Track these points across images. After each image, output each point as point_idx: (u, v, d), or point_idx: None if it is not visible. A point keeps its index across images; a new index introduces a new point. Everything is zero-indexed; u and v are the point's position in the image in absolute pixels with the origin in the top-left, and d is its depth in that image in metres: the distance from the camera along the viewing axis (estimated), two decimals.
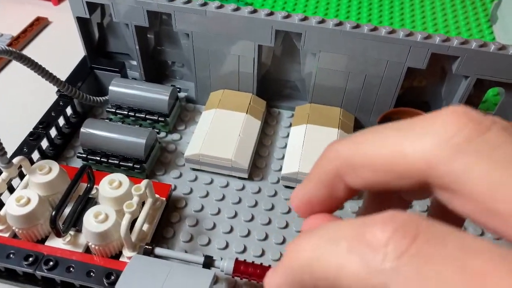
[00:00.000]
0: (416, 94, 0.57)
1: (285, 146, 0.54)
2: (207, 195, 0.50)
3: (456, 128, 0.14)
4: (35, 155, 0.49)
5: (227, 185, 0.51)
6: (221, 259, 0.40)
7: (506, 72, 0.47)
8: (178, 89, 0.58)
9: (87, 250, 0.42)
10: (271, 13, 0.49)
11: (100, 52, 0.60)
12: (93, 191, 0.45)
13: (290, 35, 0.52)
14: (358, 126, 0.56)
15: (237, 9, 0.49)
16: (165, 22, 0.55)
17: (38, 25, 0.72)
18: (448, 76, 0.52)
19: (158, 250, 0.41)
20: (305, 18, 0.48)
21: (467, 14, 0.78)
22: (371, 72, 0.51)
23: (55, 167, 0.44)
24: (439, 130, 0.14)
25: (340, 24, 0.48)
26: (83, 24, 0.55)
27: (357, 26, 0.48)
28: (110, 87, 0.54)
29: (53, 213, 0.39)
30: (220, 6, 0.49)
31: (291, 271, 0.15)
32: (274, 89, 0.60)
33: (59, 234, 0.40)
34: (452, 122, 0.14)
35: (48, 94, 0.55)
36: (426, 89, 0.56)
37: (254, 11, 0.49)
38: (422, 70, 0.52)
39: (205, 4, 0.50)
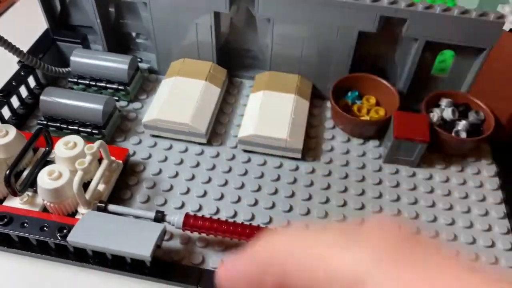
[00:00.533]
0: (372, 60, 0.58)
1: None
2: (165, 159, 0.51)
3: (378, 245, 0.16)
4: None
5: (185, 150, 0.52)
6: None
7: (453, 34, 0.49)
8: (139, 59, 0.59)
9: (44, 210, 0.43)
10: None
11: (63, 26, 0.61)
12: (52, 155, 0.47)
13: (245, 1, 0.53)
14: (316, 92, 0.58)
15: None
16: None
17: (4, 2, 0.72)
18: (400, 40, 0.54)
19: (112, 207, 0.42)
20: None
21: None
22: (325, 38, 0.53)
23: (12, 130, 0.45)
24: (363, 246, 0.16)
25: None
26: None
27: None
28: (72, 58, 0.55)
29: (7, 171, 0.40)
30: None
31: (258, 261, 0.18)
32: (235, 59, 0.61)
33: (15, 193, 0.41)
34: (374, 239, 0.16)
35: (10, 65, 0.55)
36: (380, 56, 0.58)
37: None
38: (375, 36, 0.54)
39: None
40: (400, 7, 0.48)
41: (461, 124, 0.51)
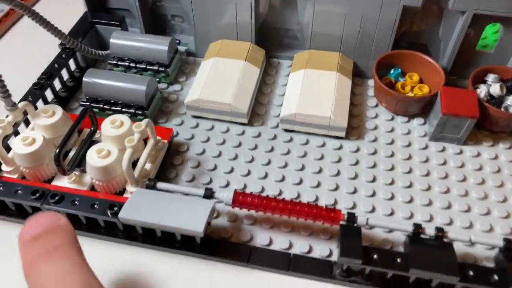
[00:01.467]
0: (414, 37, 0.57)
1: (284, 94, 0.55)
2: (208, 140, 0.51)
3: None
4: (40, 105, 0.51)
5: (227, 131, 0.52)
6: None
7: (503, 4, 0.47)
8: (177, 41, 0.58)
9: (92, 188, 0.43)
10: None
11: (101, 9, 0.61)
12: (97, 135, 0.47)
13: None
14: (357, 70, 0.57)
15: None
16: None
17: None
18: (445, 14, 0.52)
19: (160, 184, 0.42)
20: None
21: None
22: (367, 14, 0.51)
23: (59, 110, 0.45)
24: None
25: None
26: None
27: None
28: (111, 40, 0.55)
29: (56, 150, 0.40)
30: None
31: None
32: (273, 39, 0.60)
33: (64, 172, 0.41)
34: None
35: (52, 48, 0.56)
36: (423, 32, 0.56)
37: None
38: (419, 12, 0.52)
39: None
40: None
41: (510, 99, 0.50)
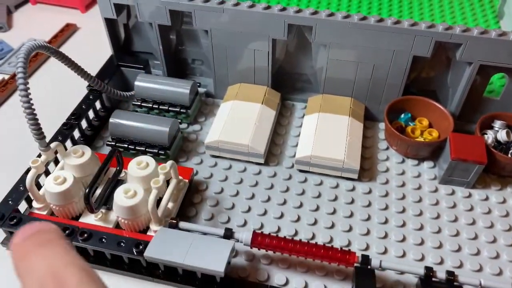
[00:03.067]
0: (423, 83, 0.59)
1: (299, 135, 0.57)
2: (226, 179, 0.53)
3: None
4: (68, 144, 0.54)
5: (244, 170, 0.54)
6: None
7: (508, 57, 0.50)
8: (198, 84, 0.61)
9: (117, 226, 0.46)
10: (284, 9, 0.53)
11: (125, 52, 0.65)
12: (122, 175, 0.49)
13: (302, 29, 0.55)
14: (368, 114, 0.59)
15: (252, 5, 0.53)
16: (186, 21, 0.59)
17: (67, 31, 0.77)
18: (453, 64, 0.55)
19: (182, 224, 0.44)
20: (315, 12, 0.52)
21: (474, 11, 0.81)
22: (379, 62, 0.54)
23: (88, 151, 0.48)
24: None
25: (348, 16, 0.51)
26: (110, 25, 0.60)
27: (364, 18, 0.51)
28: (136, 82, 0.58)
29: (87, 189, 0.43)
30: (237, 4, 0.53)
31: None
32: (288, 83, 0.63)
33: (92, 210, 0.44)
34: None
35: (79, 90, 0.59)
36: (433, 79, 0.59)
37: (268, 7, 0.53)
38: (428, 60, 0.55)
39: (222, 2, 0.54)
40: (456, 32, 0.49)
41: None
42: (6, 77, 0.67)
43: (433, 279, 0.40)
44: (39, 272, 0.22)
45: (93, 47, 0.72)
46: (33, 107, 0.43)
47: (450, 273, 0.40)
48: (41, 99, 0.64)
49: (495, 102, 0.57)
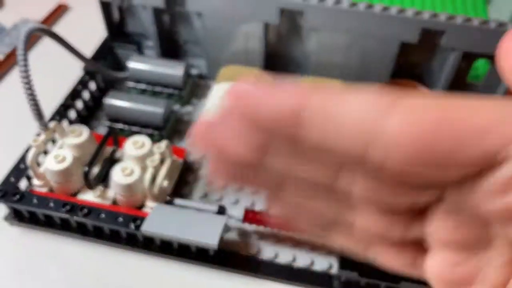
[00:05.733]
0: (411, 68, 0.62)
1: None
2: None
3: None
4: (65, 124, 0.55)
5: None
6: None
7: (489, 45, 0.52)
8: (191, 65, 0.63)
9: (114, 202, 0.48)
10: None
11: (118, 33, 0.66)
12: (118, 154, 0.51)
13: (294, 14, 0.57)
14: None
15: None
16: (179, 2, 0.60)
17: (59, 11, 0.77)
18: (438, 49, 0.57)
19: (177, 201, 0.46)
20: None
21: None
22: (367, 47, 0.56)
23: (86, 131, 0.49)
24: None
25: (338, 2, 0.53)
26: (105, 7, 0.61)
27: (354, 4, 0.53)
28: (129, 64, 0.59)
29: (87, 167, 0.45)
30: None
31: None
32: (279, 65, 0.65)
33: (90, 187, 0.46)
34: None
35: (72, 70, 0.60)
36: (419, 64, 0.61)
37: None
38: (415, 45, 0.57)
39: None
40: (441, 20, 0.51)
41: None
42: (1, 56, 0.68)
43: None
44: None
45: (84, 28, 0.72)
46: (33, 88, 0.44)
47: None
48: (35, 80, 0.66)
49: (478, 86, 0.59)
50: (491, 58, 0.55)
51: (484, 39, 0.52)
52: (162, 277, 0.45)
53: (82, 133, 0.49)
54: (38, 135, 0.48)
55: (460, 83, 0.59)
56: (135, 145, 0.48)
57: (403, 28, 0.53)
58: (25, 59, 0.43)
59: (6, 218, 0.49)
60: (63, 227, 0.47)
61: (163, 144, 0.47)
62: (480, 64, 0.68)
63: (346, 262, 0.42)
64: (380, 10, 0.52)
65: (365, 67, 0.59)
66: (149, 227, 0.43)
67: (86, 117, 0.59)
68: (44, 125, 0.46)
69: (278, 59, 0.64)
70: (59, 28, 0.76)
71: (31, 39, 0.71)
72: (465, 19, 0.51)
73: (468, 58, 0.56)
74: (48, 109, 0.55)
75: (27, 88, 0.44)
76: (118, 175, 0.45)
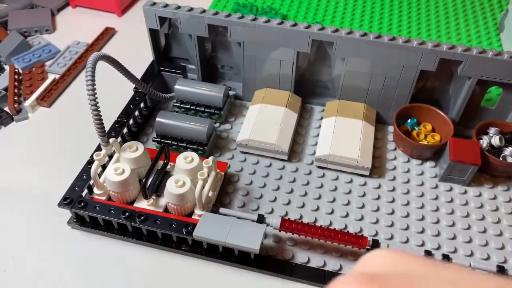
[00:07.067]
0: (428, 93, 0.67)
1: (317, 135, 0.65)
2: (254, 172, 0.62)
3: None
4: (118, 140, 0.62)
5: (270, 165, 0.63)
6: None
7: (502, 73, 0.58)
8: (228, 88, 0.70)
9: (166, 210, 0.54)
10: (309, 26, 0.61)
11: (164, 58, 0.73)
12: (168, 167, 0.58)
13: (323, 43, 0.63)
14: (379, 118, 0.67)
15: (281, 23, 0.61)
16: (221, 33, 0.67)
17: (107, 34, 0.85)
18: (454, 77, 0.63)
19: (222, 210, 0.53)
20: (336, 30, 0.60)
21: (477, 23, 0.88)
22: (390, 74, 0.62)
23: (141, 146, 0.56)
24: None
25: (365, 35, 0.59)
26: (153, 34, 0.68)
27: (379, 36, 0.59)
28: (176, 86, 0.66)
29: (144, 179, 0.51)
30: (267, 21, 0.61)
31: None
32: (308, 88, 0.71)
33: (146, 196, 0.52)
34: None
35: (124, 92, 0.67)
36: (436, 89, 0.67)
37: (295, 24, 0.61)
38: (433, 72, 0.63)
39: (255, 19, 0.61)
40: (458, 51, 0.57)
41: (508, 150, 0.60)
42: (57, 77, 0.76)
43: None
44: None
45: (131, 51, 0.80)
46: (99, 109, 0.51)
47: (445, 256, 0.48)
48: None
49: (491, 110, 0.65)
50: (503, 85, 0.61)
51: (498, 68, 0.58)
52: (208, 277, 0.51)
53: (138, 148, 0.56)
54: (99, 150, 0.54)
55: (474, 108, 0.64)
56: (186, 160, 0.54)
57: (423, 58, 0.59)
58: (93, 85, 0.50)
59: (69, 222, 0.55)
60: (120, 231, 0.54)
61: (210, 159, 0.53)
62: (493, 89, 0.73)
63: None
64: (402, 42, 0.58)
65: (387, 91, 0.65)
66: (199, 232, 0.49)
67: (136, 133, 0.66)
68: (105, 142, 0.53)
69: (307, 82, 0.71)
70: (107, 50, 0.84)
71: (82, 60, 0.78)
72: (480, 51, 0.57)
73: (483, 85, 0.61)
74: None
75: (94, 110, 0.50)
76: (172, 186, 0.51)
